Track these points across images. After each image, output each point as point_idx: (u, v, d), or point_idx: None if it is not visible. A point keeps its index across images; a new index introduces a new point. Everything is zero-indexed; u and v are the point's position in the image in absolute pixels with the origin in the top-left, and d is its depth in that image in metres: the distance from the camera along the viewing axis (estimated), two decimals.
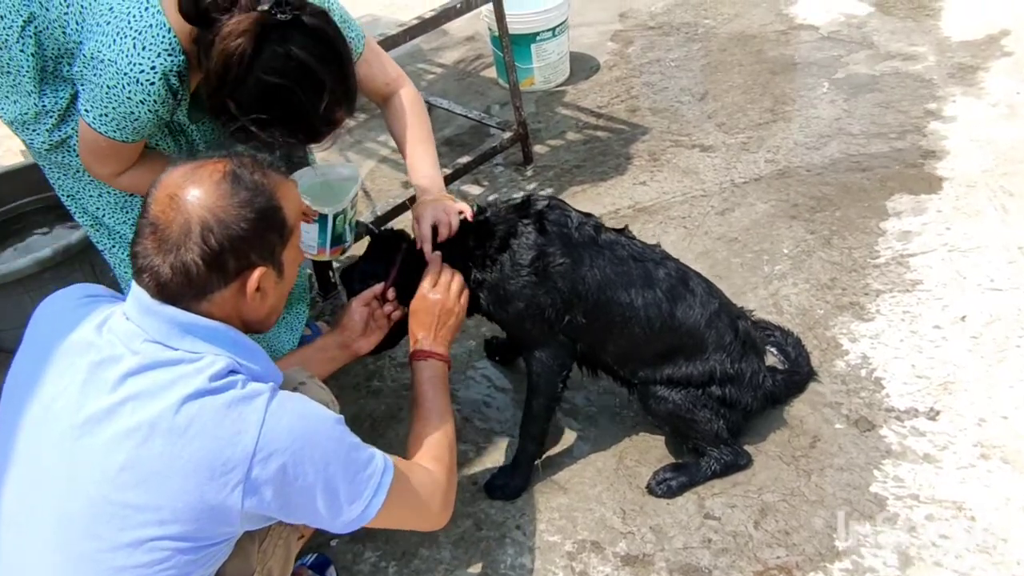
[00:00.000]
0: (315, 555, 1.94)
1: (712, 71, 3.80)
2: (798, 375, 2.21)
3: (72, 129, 1.81)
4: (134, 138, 1.67)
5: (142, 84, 1.56)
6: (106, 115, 1.60)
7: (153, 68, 1.55)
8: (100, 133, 1.64)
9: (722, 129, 3.37)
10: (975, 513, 1.86)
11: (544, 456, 2.11)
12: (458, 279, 1.82)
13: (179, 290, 1.23)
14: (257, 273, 1.28)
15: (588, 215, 1.95)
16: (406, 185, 3.31)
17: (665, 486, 1.99)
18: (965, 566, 1.77)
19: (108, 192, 1.94)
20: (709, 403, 1.95)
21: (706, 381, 1.95)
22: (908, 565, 1.78)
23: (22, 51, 1.71)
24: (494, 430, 2.25)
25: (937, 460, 1.99)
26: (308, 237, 1.96)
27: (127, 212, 1.98)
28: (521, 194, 3.16)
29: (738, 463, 2.02)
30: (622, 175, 3.20)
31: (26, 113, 1.80)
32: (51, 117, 1.81)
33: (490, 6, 3.09)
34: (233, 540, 1.29)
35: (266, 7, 1.47)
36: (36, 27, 1.68)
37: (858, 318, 2.41)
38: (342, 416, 1.34)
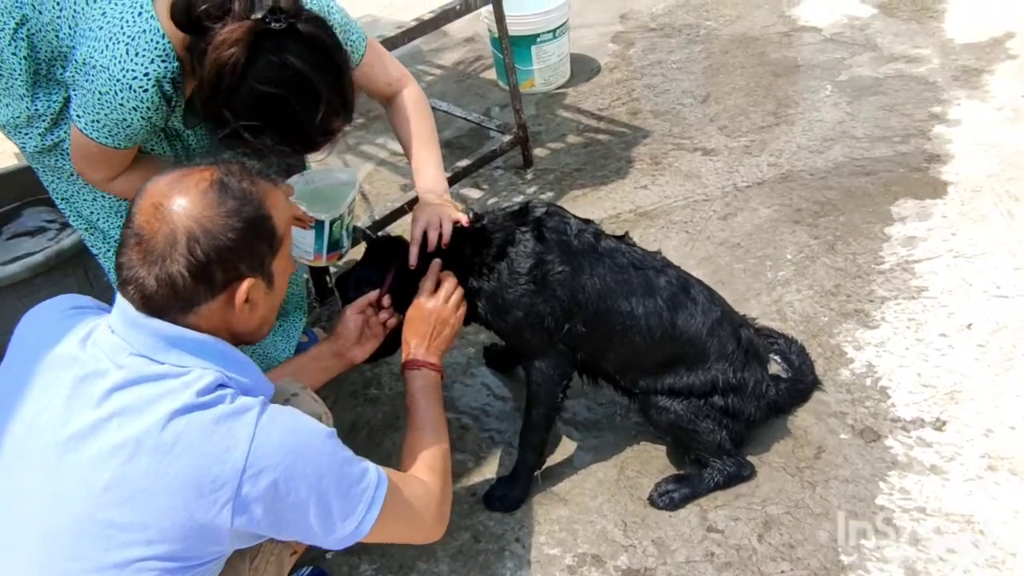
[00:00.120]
0: (310, 568, 1.91)
1: (714, 73, 3.77)
2: (802, 384, 2.17)
3: (65, 133, 1.77)
4: (127, 144, 1.64)
5: (135, 91, 1.52)
6: (98, 121, 1.57)
7: (146, 74, 1.52)
8: (92, 139, 1.60)
9: (724, 132, 3.33)
10: (983, 527, 1.82)
11: (544, 466, 2.07)
12: (458, 289, 1.79)
13: (165, 302, 1.20)
14: (246, 284, 1.25)
15: (587, 222, 1.92)
16: (405, 188, 3.28)
17: (667, 498, 1.95)
18: None
19: (103, 196, 1.90)
20: (711, 413, 1.92)
21: (708, 391, 1.92)
22: None
23: (14, 54, 1.67)
24: (493, 439, 2.22)
25: (944, 472, 1.96)
26: (304, 243, 1.93)
27: (122, 216, 1.95)
28: (521, 198, 3.15)
29: (741, 474, 1.98)
30: (623, 179, 3.16)
31: (18, 117, 1.76)
32: (44, 121, 1.77)
33: (490, 8, 3.05)
34: (223, 559, 1.26)
35: (260, 15, 1.43)
36: (28, 30, 1.65)
37: (863, 325, 2.37)
38: (334, 430, 1.30)
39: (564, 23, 3.74)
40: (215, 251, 1.20)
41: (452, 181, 3.03)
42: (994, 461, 1.95)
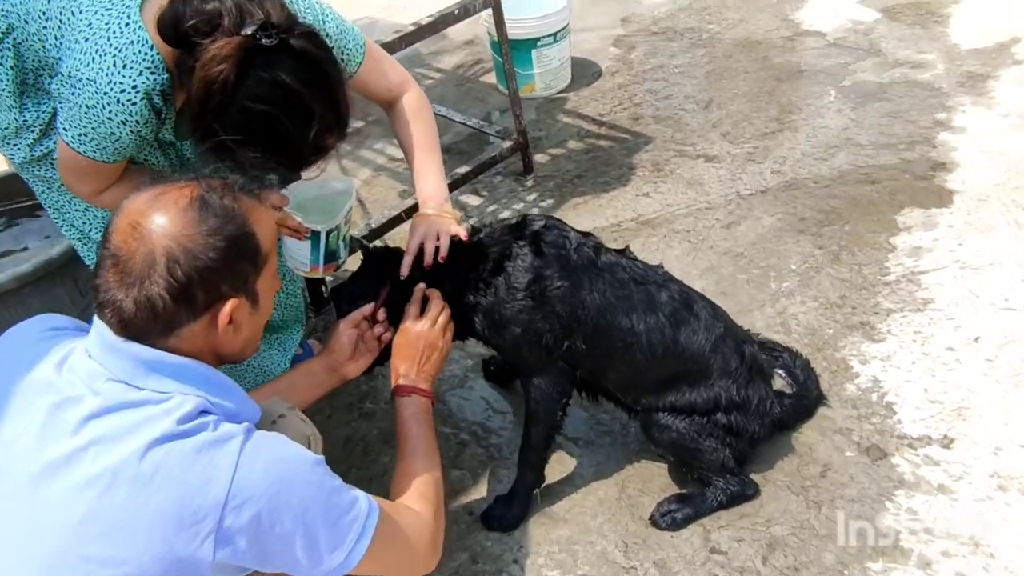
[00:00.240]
0: None
1: (717, 78, 3.72)
2: (807, 399, 2.12)
3: (54, 144, 1.73)
4: (115, 158, 1.59)
5: (123, 104, 1.48)
6: (85, 135, 1.53)
7: (135, 87, 1.47)
8: (79, 153, 1.56)
9: (727, 139, 3.29)
10: (993, 549, 1.78)
11: (543, 484, 2.02)
12: (445, 310, 1.75)
13: (144, 326, 1.15)
14: (229, 305, 1.20)
15: (587, 235, 1.87)
16: (403, 195, 3.23)
17: (669, 518, 1.91)
18: None
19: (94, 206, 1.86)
20: (714, 431, 1.88)
21: (711, 408, 1.87)
22: None
23: (0, 64, 1.63)
24: (492, 456, 2.17)
25: (952, 491, 1.91)
26: (300, 254, 1.89)
27: None
28: (521, 205, 3.10)
29: (745, 493, 1.94)
30: (625, 186, 3.12)
31: (6, 128, 1.72)
32: (32, 131, 1.73)
33: (489, 11, 3.01)
34: None
35: (250, 31, 1.37)
36: (15, 39, 1.61)
37: (868, 338, 2.33)
38: (322, 458, 1.25)
39: (565, 27, 3.69)
40: (196, 272, 1.15)
41: (451, 188, 2.98)
42: (1004, 481, 1.91)
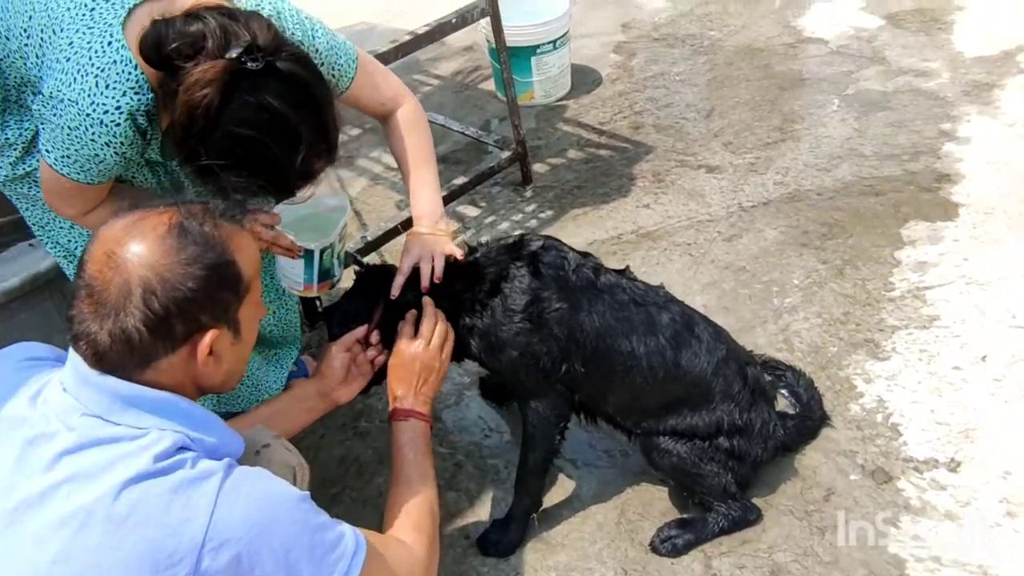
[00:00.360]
0: None
1: (718, 86, 3.67)
2: (810, 420, 2.08)
3: (38, 161, 1.68)
4: (100, 180, 1.55)
5: (106, 125, 1.43)
6: (68, 157, 1.48)
7: (118, 108, 1.42)
8: (63, 175, 1.51)
9: (729, 148, 3.24)
10: None
11: (541, 508, 1.98)
12: (440, 329, 1.70)
13: (119, 359, 1.11)
14: (208, 337, 1.16)
15: (586, 255, 1.83)
16: (400, 205, 3.19)
17: (670, 544, 1.87)
18: None
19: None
20: (716, 456, 1.83)
21: (713, 433, 1.83)
22: None
23: None
24: (488, 478, 2.13)
25: (959, 517, 1.87)
26: (293, 273, 1.85)
27: None
28: (520, 216, 3.06)
29: (747, 518, 1.89)
30: (625, 197, 3.07)
31: None
32: (15, 150, 1.69)
33: (487, 19, 2.96)
34: None
35: (235, 54, 1.32)
36: None
37: (873, 357, 2.28)
38: (307, 494, 1.20)
39: (565, 34, 3.65)
40: (174, 303, 1.11)
41: (449, 199, 2.95)
42: (1013, 507, 1.86)
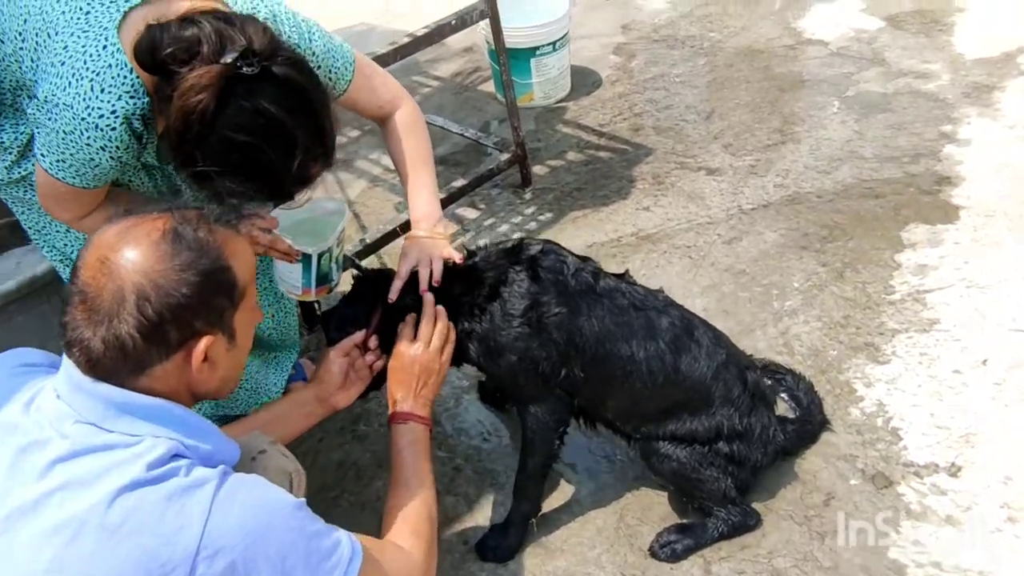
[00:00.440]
0: None
1: (718, 88, 3.66)
2: (810, 425, 2.07)
3: (33, 165, 1.67)
4: (96, 184, 1.54)
5: (101, 130, 1.42)
6: (63, 161, 1.47)
7: (113, 112, 1.41)
8: (58, 179, 1.50)
9: (729, 150, 3.23)
10: None
11: (540, 513, 1.97)
12: (439, 329, 1.69)
13: (113, 366, 1.10)
14: (203, 343, 1.15)
15: (586, 259, 1.82)
16: (399, 207, 3.18)
17: (669, 549, 1.86)
18: None
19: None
20: (716, 461, 1.83)
21: (713, 437, 1.82)
22: None
23: None
24: (487, 482, 2.12)
25: (960, 523, 1.86)
26: (291, 277, 1.84)
27: None
28: (519, 218, 3.05)
29: (747, 523, 1.89)
30: (625, 199, 3.06)
31: None
32: (10, 153, 1.68)
33: (487, 20, 2.95)
34: None
35: (230, 59, 1.31)
36: None
37: (873, 360, 2.27)
38: (303, 501, 1.20)
39: (564, 35, 3.64)
40: (168, 309, 1.10)
41: (448, 201, 2.94)
42: (1014, 512, 1.85)
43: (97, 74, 1.39)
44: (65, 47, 1.40)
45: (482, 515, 2.04)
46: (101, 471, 1.07)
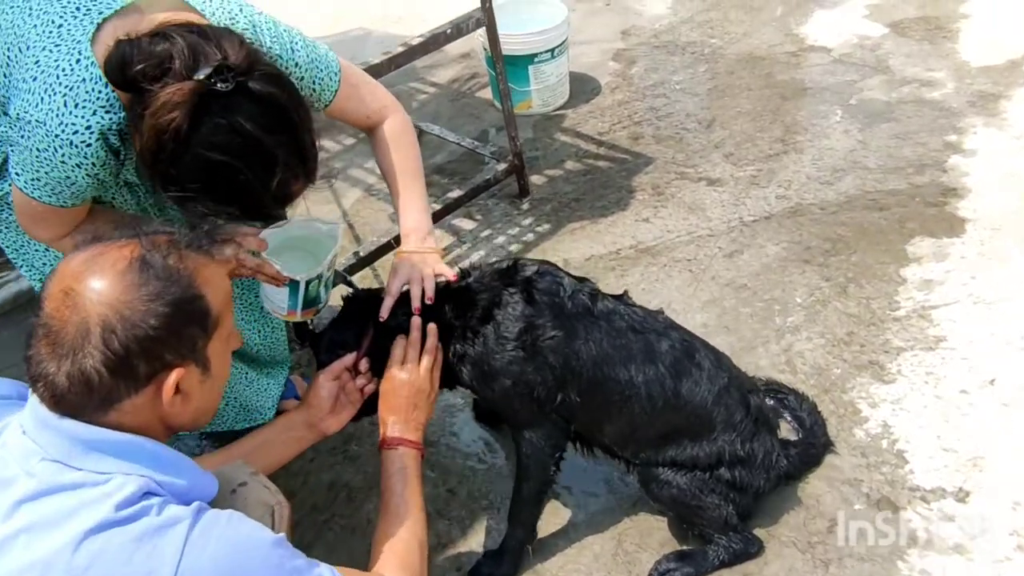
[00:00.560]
0: None
1: (719, 95, 3.61)
2: (814, 447, 2.02)
3: (9, 186, 1.61)
4: (73, 202, 1.48)
5: (77, 146, 1.36)
6: (38, 179, 1.41)
7: (88, 128, 1.36)
8: (34, 199, 1.45)
9: (730, 160, 3.17)
10: None
11: (535, 539, 1.91)
12: (428, 347, 1.64)
13: (79, 401, 1.05)
14: (174, 375, 1.10)
15: (583, 280, 1.76)
16: (394, 218, 3.10)
17: None
18: None
19: None
20: (717, 487, 1.77)
21: (714, 463, 1.77)
22: None
23: None
24: (481, 505, 2.06)
25: (968, 551, 1.80)
26: (277, 299, 1.77)
27: None
28: (516, 230, 2.99)
29: (748, 551, 1.83)
30: (624, 210, 3.01)
31: None
32: None
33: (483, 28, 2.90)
34: None
35: (203, 75, 1.25)
36: None
37: (878, 379, 2.22)
38: (283, 536, 1.14)
39: (563, 42, 3.58)
40: (135, 341, 1.05)
41: (444, 212, 2.89)
42: (1023, 540, 1.80)
43: (71, 89, 1.33)
44: (37, 62, 1.34)
45: (476, 540, 1.98)
46: (68, 512, 1.02)
